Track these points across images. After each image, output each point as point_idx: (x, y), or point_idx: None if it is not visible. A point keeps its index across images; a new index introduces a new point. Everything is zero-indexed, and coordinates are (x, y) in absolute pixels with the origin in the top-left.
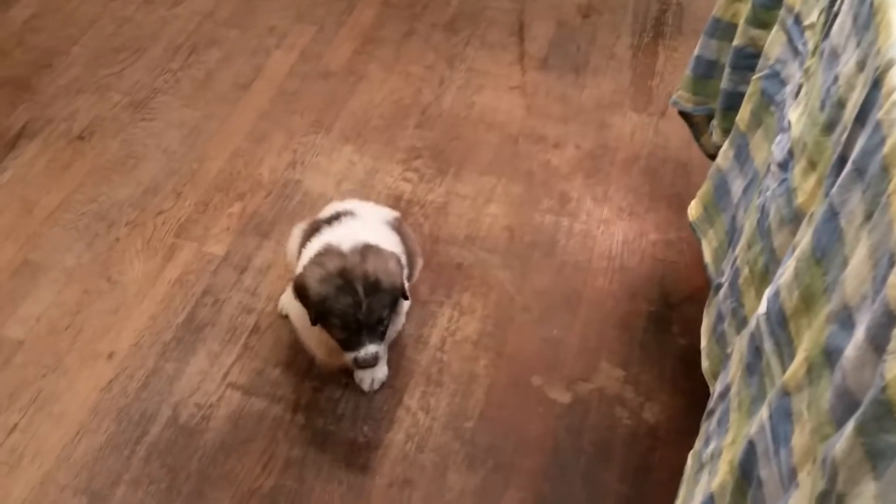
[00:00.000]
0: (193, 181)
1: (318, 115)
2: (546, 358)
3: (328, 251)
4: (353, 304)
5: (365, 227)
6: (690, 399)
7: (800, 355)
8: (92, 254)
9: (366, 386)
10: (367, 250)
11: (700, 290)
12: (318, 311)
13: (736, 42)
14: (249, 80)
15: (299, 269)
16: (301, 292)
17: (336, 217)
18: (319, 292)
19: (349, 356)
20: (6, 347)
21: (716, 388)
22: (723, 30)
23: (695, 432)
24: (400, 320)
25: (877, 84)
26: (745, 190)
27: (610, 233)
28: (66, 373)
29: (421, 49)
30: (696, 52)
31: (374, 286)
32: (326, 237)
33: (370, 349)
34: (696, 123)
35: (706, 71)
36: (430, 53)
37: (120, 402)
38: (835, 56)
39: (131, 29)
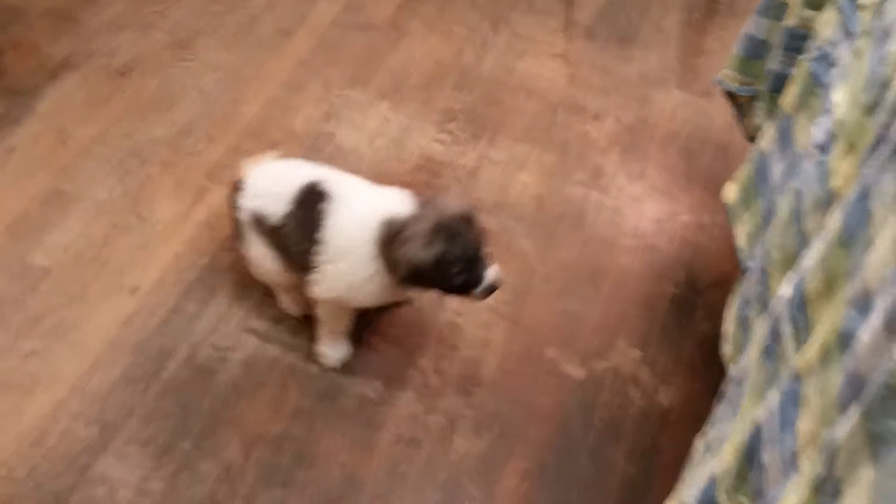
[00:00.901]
0: (227, 126)
1: (356, 69)
2: (563, 331)
3: (391, 223)
4: (466, 242)
5: (367, 191)
6: (707, 385)
7: (815, 339)
8: (123, 188)
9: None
10: (422, 201)
11: (728, 277)
12: (440, 273)
13: (788, 22)
14: (292, 27)
15: (365, 262)
16: (419, 273)
17: (318, 195)
18: (435, 255)
19: (478, 292)
20: (32, 274)
21: (732, 372)
22: (775, 9)
23: (708, 418)
24: None
25: None
26: (785, 174)
27: (641, 211)
28: (88, 303)
29: (466, 9)
30: (745, 30)
31: (466, 217)
32: (357, 215)
33: (493, 269)
34: (740, 104)
35: (755, 51)
36: (474, 14)
37: (139, 337)
38: (885, 36)
39: None
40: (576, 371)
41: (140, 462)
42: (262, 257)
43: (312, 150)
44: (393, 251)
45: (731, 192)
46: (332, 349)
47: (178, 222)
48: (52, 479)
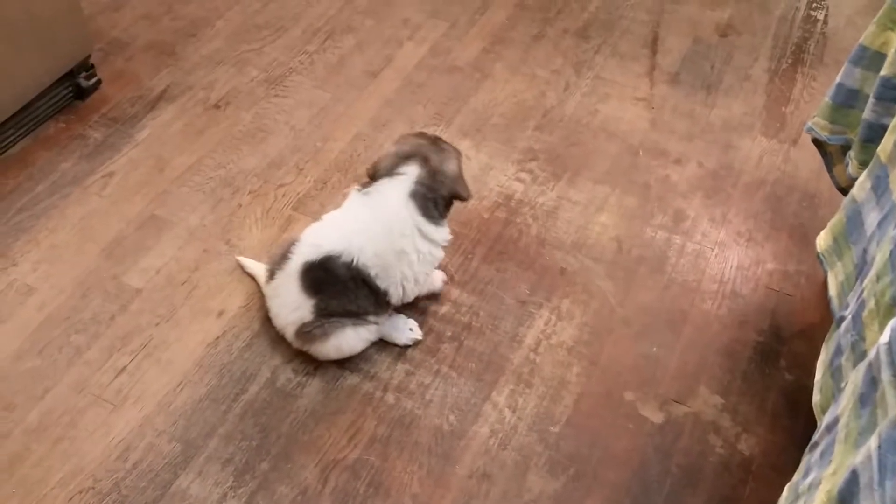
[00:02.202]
0: (315, 159)
1: (440, 108)
2: (642, 374)
3: (417, 185)
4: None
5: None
6: (790, 437)
7: None
8: (215, 216)
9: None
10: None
11: (813, 327)
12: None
13: (884, 72)
14: (379, 68)
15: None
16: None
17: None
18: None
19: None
20: (125, 294)
21: (823, 421)
22: (869, 59)
23: (791, 471)
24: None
25: None
26: (881, 223)
27: (724, 256)
28: (177, 324)
29: (549, 53)
30: (837, 79)
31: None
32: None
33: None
34: (829, 153)
35: (847, 100)
36: (558, 58)
37: (224, 359)
38: None
39: (276, 8)
40: (654, 415)
41: (220, 480)
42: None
43: None
44: (437, 184)
45: (823, 240)
46: (405, 331)
47: (264, 250)
48: (135, 493)
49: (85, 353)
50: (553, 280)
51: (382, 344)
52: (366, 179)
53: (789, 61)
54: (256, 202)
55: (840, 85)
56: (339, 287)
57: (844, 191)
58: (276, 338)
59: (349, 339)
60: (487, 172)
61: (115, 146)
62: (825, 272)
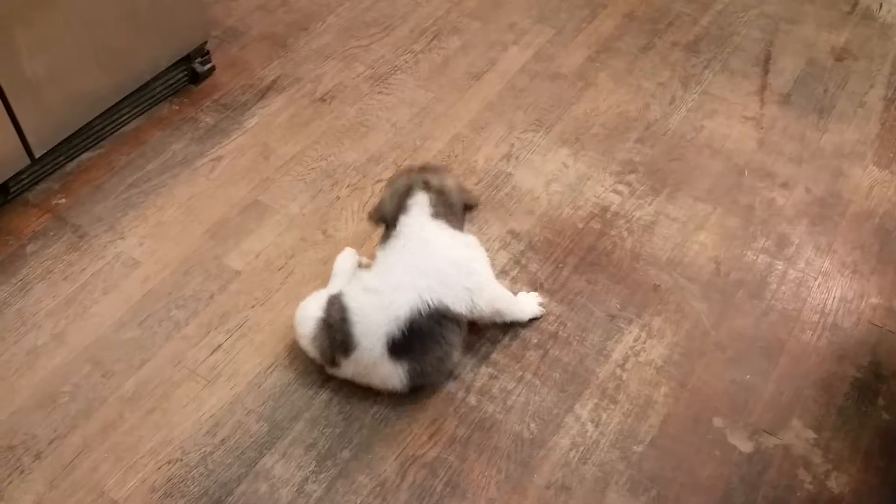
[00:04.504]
0: (414, 157)
1: (540, 115)
2: (733, 401)
3: (434, 195)
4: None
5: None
6: (883, 478)
7: None
8: (314, 206)
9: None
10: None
11: None
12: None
13: None
14: (482, 70)
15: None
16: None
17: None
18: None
19: None
20: (226, 275)
21: None
22: None
23: None
24: None
25: None
26: None
27: (827, 287)
28: (272, 308)
29: (656, 65)
30: None
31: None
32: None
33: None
34: None
35: None
36: (665, 70)
37: None
38: None
39: (385, 6)
40: (743, 444)
41: (302, 464)
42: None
43: (490, 187)
44: (447, 200)
45: None
46: (528, 303)
47: (359, 243)
48: (221, 468)
49: (183, 328)
50: (645, 296)
51: (467, 345)
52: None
53: None
54: (354, 195)
55: None
56: (430, 340)
57: None
58: None
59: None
60: (584, 182)
61: (224, 131)
62: None
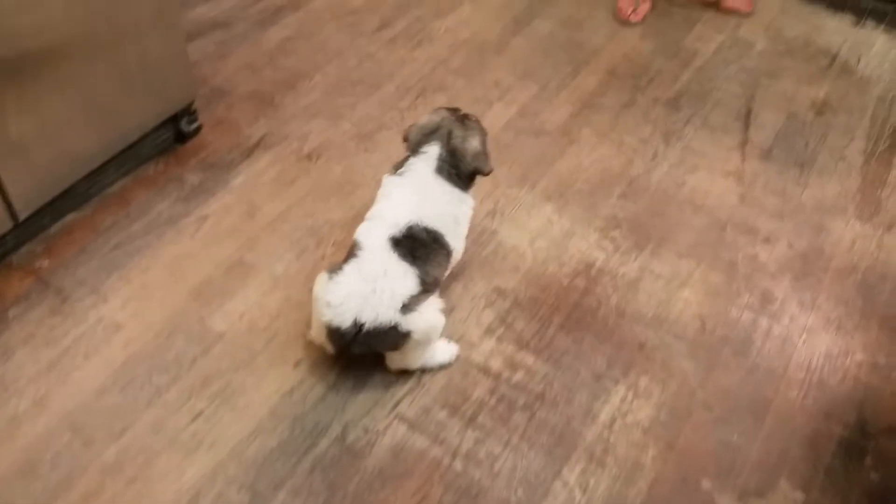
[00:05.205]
0: None
1: (525, 170)
2: (721, 462)
3: (443, 150)
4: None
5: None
6: None
7: None
8: (300, 265)
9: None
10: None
11: None
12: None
13: None
14: None
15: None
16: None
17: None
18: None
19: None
20: (209, 337)
21: None
22: None
23: None
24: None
25: None
26: None
27: (812, 343)
28: (255, 371)
29: (638, 121)
30: None
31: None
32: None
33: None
34: None
35: None
36: (647, 126)
37: (297, 410)
38: None
39: (372, 65)
40: None
41: None
42: None
43: (476, 244)
44: (458, 160)
45: None
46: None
47: None
48: None
49: (165, 393)
50: (631, 355)
51: (453, 408)
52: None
53: (886, 144)
54: (339, 254)
55: None
56: (429, 250)
57: None
58: (351, 392)
59: (437, 311)
60: (569, 238)
61: (210, 190)
62: None
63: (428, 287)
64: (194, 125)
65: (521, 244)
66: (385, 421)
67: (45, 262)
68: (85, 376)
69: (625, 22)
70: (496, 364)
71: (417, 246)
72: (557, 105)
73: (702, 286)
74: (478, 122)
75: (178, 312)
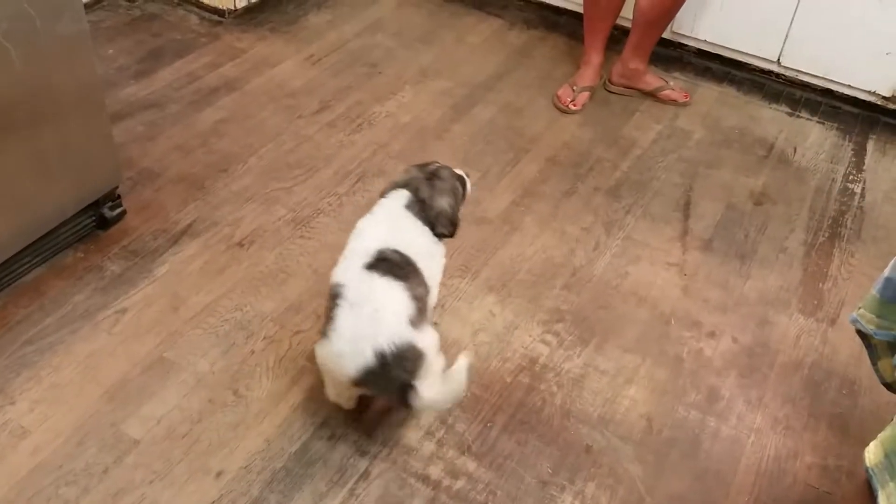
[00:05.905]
0: None
1: (466, 260)
2: None
3: (415, 195)
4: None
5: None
6: None
7: None
8: (225, 362)
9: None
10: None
11: None
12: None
13: None
14: None
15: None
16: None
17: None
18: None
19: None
20: (122, 445)
21: None
22: None
23: None
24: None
25: None
26: None
27: (761, 445)
28: (172, 483)
29: (579, 209)
30: (886, 273)
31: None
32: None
33: None
34: (874, 346)
35: None
36: (588, 215)
37: None
38: None
39: (309, 148)
40: None
41: None
42: None
43: None
44: (429, 210)
45: (872, 454)
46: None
47: (273, 404)
48: None
49: None
50: (578, 458)
51: None
52: None
53: (826, 235)
54: (270, 349)
55: (889, 280)
56: (405, 270)
57: (890, 386)
58: None
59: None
60: (512, 332)
61: (131, 281)
62: (874, 489)
63: (418, 303)
64: (118, 210)
65: (463, 338)
66: None
67: None
68: None
69: (564, 110)
70: (436, 472)
71: (392, 266)
72: (498, 192)
73: (647, 383)
74: (451, 177)
75: (91, 417)
